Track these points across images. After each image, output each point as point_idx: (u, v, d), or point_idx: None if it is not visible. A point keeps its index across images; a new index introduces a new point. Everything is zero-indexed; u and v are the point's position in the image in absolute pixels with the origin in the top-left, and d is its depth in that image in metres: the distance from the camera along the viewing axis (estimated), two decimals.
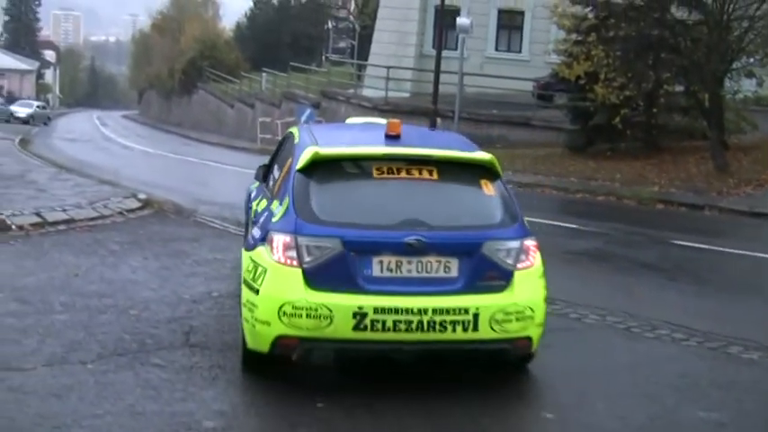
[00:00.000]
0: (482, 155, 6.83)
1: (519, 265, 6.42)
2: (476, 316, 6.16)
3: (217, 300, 8.73)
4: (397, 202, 6.51)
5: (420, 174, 6.53)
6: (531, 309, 6.36)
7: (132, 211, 14.30)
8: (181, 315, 8.08)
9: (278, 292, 6.15)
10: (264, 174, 8.56)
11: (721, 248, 13.92)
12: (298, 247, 6.16)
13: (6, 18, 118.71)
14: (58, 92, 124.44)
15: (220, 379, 6.48)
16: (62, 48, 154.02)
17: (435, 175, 6.54)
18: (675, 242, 14.14)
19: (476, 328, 6.17)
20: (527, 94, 33.41)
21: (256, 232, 6.86)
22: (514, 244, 6.44)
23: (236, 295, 8.83)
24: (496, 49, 41.06)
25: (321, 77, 45.98)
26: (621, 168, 23.88)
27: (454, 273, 6.28)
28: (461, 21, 30.47)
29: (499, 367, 6.92)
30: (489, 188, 6.69)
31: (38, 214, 12.76)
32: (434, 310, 6.09)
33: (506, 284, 6.35)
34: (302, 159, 6.57)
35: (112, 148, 37.98)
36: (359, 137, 7.54)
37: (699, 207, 18.75)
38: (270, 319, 6.13)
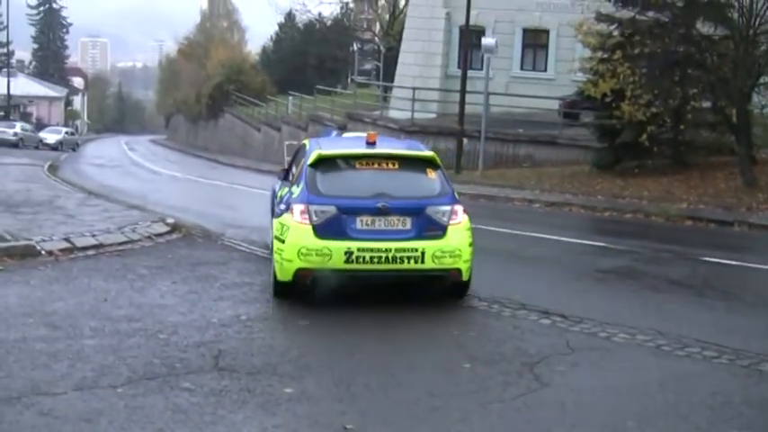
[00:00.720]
0: (427, 153, 10.56)
1: (450, 222, 9.79)
2: (422, 253, 9.54)
3: (245, 323, 8.75)
4: (371, 183, 9.89)
5: (386, 165, 10.06)
6: (460, 250, 9.72)
7: (160, 235, 14.37)
8: (209, 339, 8.10)
9: (297, 240, 9.54)
10: (285, 174, 12.23)
11: (751, 264, 13.80)
12: (309, 212, 9.59)
13: (35, 46, 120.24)
14: (86, 118, 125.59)
15: (250, 402, 6.48)
16: (90, 74, 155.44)
17: (396, 166, 10.09)
18: (705, 259, 14.03)
19: (423, 262, 9.55)
20: (553, 112, 33.36)
21: (282, 206, 10.43)
22: (447, 208, 9.85)
23: (264, 318, 8.90)
24: (522, 69, 41.02)
25: (347, 100, 46.05)
26: (649, 186, 23.77)
27: (408, 226, 9.67)
28: (486, 41, 30.59)
29: (529, 386, 6.93)
30: (432, 174, 10.18)
31: (67, 239, 12.86)
32: (396, 249, 9.47)
33: (442, 234, 9.71)
34: (311, 158, 10.10)
35: (140, 173, 38.19)
36: (348, 144, 11.27)
37: (728, 223, 18.59)
38: (292, 258, 9.54)
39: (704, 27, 23.34)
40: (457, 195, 10.21)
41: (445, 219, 9.75)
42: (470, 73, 32.41)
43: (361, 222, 9.58)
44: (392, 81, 43.43)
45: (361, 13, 76.58)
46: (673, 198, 21.75)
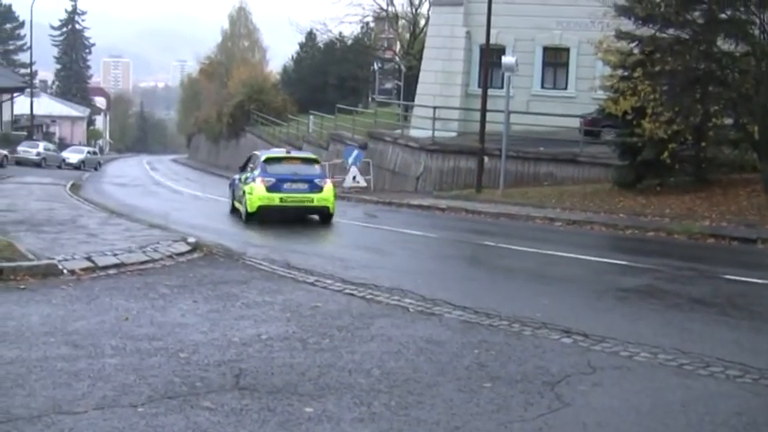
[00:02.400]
0: (315, 156, 24.79)
1: (324, 186, 21.88)
2: (312, 199, 21.61)
3: (266, 342, 8.73)
4: (290, 168, 22.21)
5: (296, 161, 22.93)
6: (328, 198, 21.84)
7: (182, 254, 14.41)
8: (230, 358, 8.09)
9: (258, 192, 21.31)
10: (242, 168, 23.88)
11: None
12: (264, 181, 21.37)
13: (58, 66, 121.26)
14: (108, 137, 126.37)
15: (270, 422, 6.45)
16: (112, 94, 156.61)
17: (300, 162, 22.95)
18: (727, 277, 13.93)
19: (313, 203, 21.69)
20: (574, 130, 33.31)
21: (249, 179, 21.99)
22: (322, 180, 22.17)
23: (284, 338, 8.89)
24: (542, 87, 41.01)
25: (368, 119, 46.14)
26: (671, 203, 23.69)
27: (306, 187, 21.64)
28: (507, 59, 30.59)
29: None
30: (316, 165, 23.07)
31: (89, 259, 12.90)
32: (301, 197, 21.58)
33: (320, 191, 21.71)
34: (263, 158, 22.48)
35: (162, 192, 38.37)
36: (279, 152, 24.62)
37: (751, 240, 18.50)
38: (256, 200, 21.25)
39: (725, 44, 23.29)
40: (327, 173, 23.97)
41: (322, 184, 21.58)
42: (491, 91, 32.49)
43: (287, 185, 21.24)
44: (413, 100, 43.52)
45: (381, 33, 76.74)
46: (695, 216, 21.67)
